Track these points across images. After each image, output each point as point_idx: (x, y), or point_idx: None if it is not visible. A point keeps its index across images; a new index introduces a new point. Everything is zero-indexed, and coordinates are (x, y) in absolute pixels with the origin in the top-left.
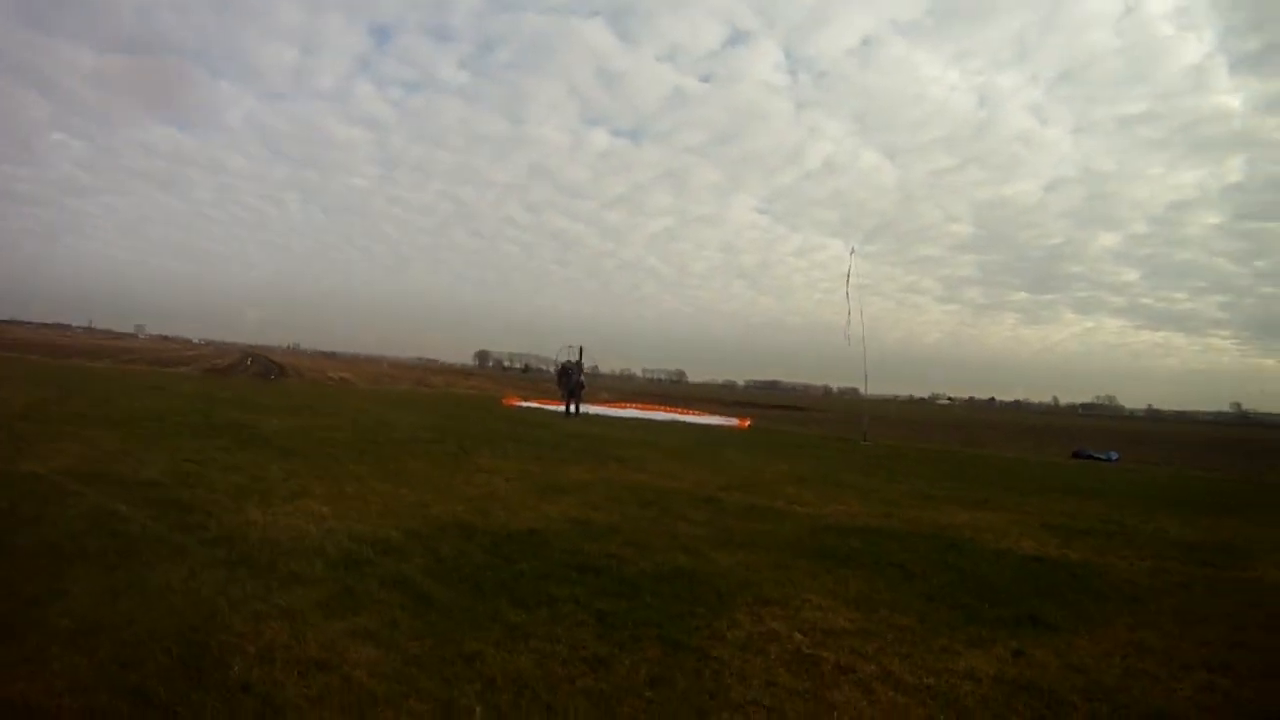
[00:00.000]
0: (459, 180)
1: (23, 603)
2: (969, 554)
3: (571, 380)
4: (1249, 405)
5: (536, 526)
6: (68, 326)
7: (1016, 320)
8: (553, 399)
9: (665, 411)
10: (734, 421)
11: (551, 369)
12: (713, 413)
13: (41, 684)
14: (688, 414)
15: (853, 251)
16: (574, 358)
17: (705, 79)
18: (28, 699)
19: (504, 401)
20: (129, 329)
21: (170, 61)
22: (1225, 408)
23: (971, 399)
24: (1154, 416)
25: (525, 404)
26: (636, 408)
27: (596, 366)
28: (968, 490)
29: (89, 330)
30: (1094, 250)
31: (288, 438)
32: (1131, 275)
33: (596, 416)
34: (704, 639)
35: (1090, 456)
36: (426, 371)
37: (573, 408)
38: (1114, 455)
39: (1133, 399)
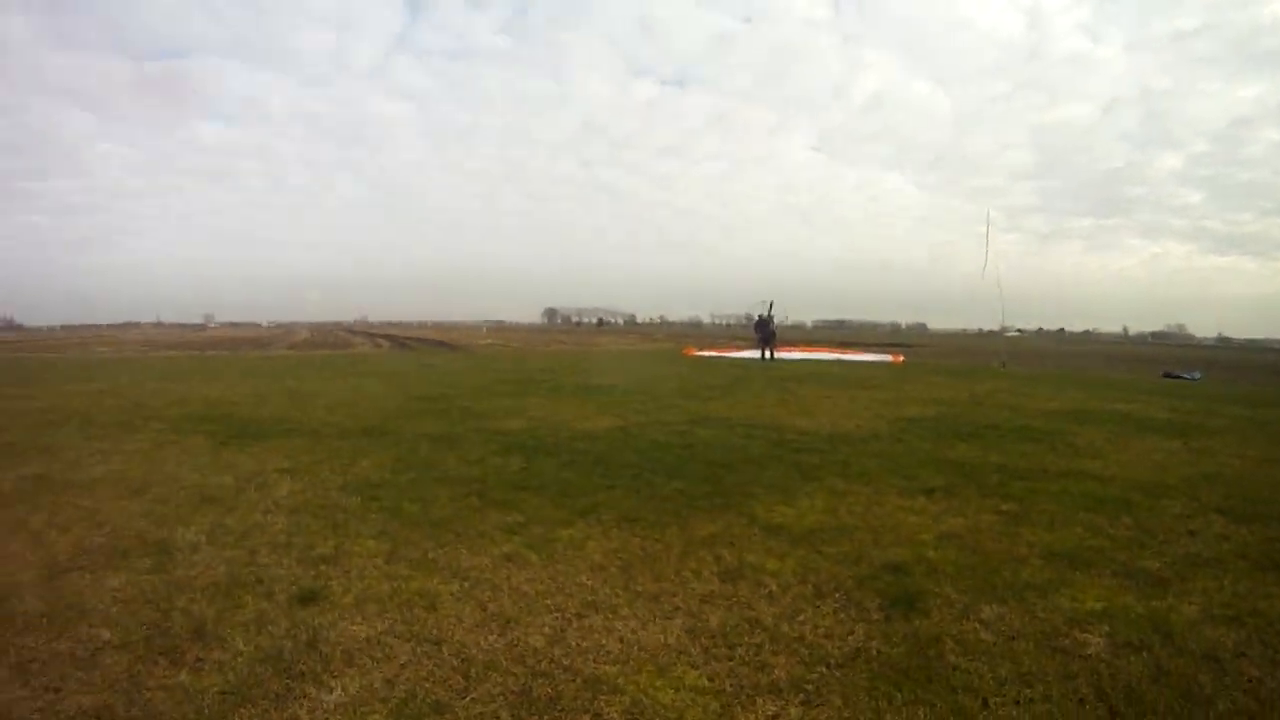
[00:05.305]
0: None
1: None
2: (1139, 418)
3: (767, 330)
4: None
5: (923, 415)
6: (136, 324)
7: (1081, 248)
8: (701, 347)
9: (827, 352)
10: (887, 358)
11: (620, 320)
12: (862, 352)
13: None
14: (846, 353)
15: (989, 218)
16: (766, 312)
17: (746, 19)
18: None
19: (685, 352)
20: (197, 320)
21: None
22: None
23: (1040, 330)
24: (1224, 344)
25: (705, 353)
26: (803, 350)
27: (787, 316)
28: (1108, 393)
29: (158, 325)
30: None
31: (655, 388)
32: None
33: (787, 360)
34: (1060, 441)
35: (1177, 376)
36: (536, 332)
37: (768, 354)
38: (1197, 374)
39: (1202, 327)
